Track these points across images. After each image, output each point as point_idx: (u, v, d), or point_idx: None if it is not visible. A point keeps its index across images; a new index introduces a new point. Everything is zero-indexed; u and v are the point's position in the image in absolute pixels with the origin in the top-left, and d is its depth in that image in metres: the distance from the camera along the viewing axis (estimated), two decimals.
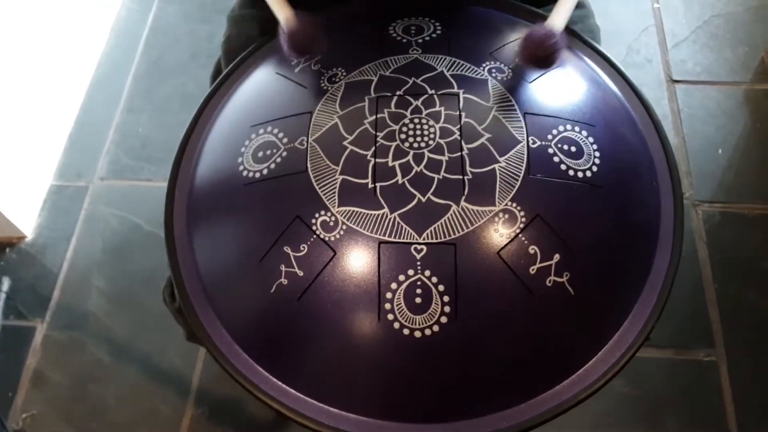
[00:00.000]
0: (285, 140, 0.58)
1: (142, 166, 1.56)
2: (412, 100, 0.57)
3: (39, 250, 1.46)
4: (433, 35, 0.64)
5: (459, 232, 0.51)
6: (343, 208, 0.53)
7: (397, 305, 0.50)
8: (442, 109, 0.56)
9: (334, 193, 0.53)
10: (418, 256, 0.51)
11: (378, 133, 0.55)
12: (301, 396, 0.54)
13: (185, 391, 1.29)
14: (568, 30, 0.70)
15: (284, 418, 0.54)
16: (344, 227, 0.52)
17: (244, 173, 0.58)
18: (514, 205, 0.52)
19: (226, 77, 0.71)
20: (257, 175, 0.57)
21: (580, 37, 0.70)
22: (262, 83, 0.68)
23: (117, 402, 1.29)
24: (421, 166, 0.53)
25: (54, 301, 1.40)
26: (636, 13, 1.72)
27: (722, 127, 1.53)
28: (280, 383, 0.55)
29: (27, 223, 1.48)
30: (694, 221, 1.41)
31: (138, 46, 1.75)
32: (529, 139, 0.55)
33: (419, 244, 0.51)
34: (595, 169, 0.56)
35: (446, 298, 0.50)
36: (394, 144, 0.54)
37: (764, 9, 1.69)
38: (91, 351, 1.34)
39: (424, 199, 0.52)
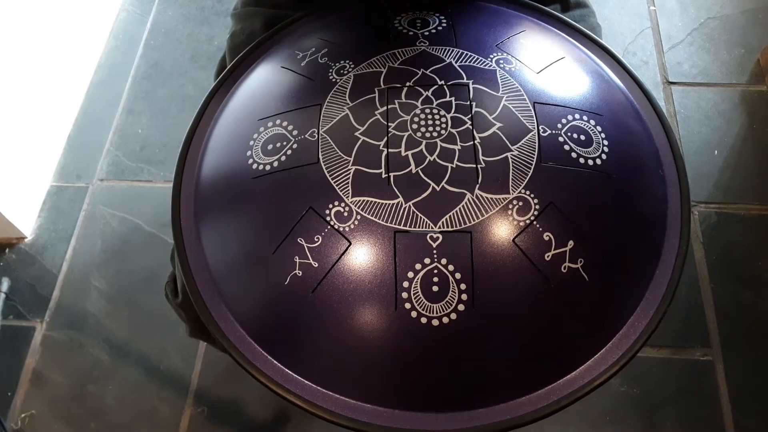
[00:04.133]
0: (295, 132, 0.58)
1: (141, 168, 1.56)
2: (422, 90, 0.57)
3: (38, 251, 1.46)
4: (439, 28, 0.65)
5: (474, 220, 0.51)
6: (357, 198, 0.53)
7: (414, 294, 0.51)
8: (453, 99, 0.56)
9: (348, 183, 0.54)
10: (434, 245, 0.51)
11: (390, 124, 0.55)
12: (318, 388, 0.54)
13: (184, 391, 1.28)
14: (571, 26, 0.71)
15: (290, 417, 0.54)
16: (359, 217, 0.52)
17: (254, 166, 0.58)
18: (528, 192, 0.52)
19: (230, 72, 0.71)
20: (267, 167, 0.57)
21: (584, 32, 0.71)
22: (267, 77, 0.68)
23: (116, 402, 1.28)
24: (434, 156, 0.53)
25: (53, 302, 1.39)
26: (632, 15, 1.72)
27: (718, 128, 1.54)
28: (296, 375, 0.55)
29: (27, 223, 1.47)
30: (690, 222, 1.41)
31: (137, 49, 1.75)
32: (540, 127, 0.55)
33: (435, 232, 0.51)
34: (604, 157, 0.56)
35: (463, 286, 0.50)
36: (406, 134, 0.55)
37: (760, 11, 1.70)
38: (91, 351, 1.33)
39: (438, 188, 0.52)
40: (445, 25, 0.65)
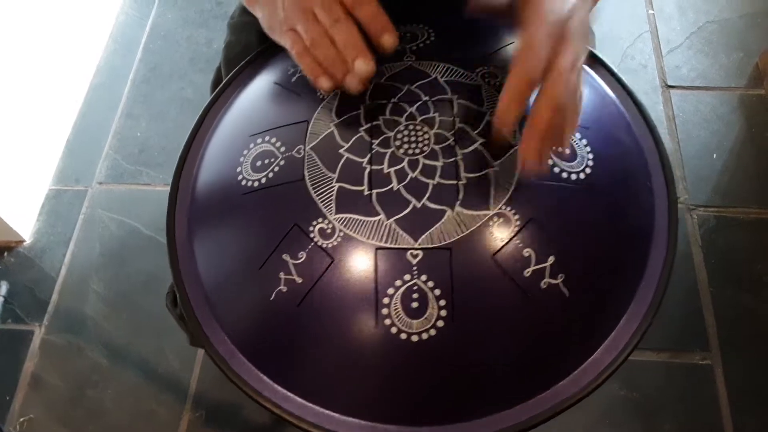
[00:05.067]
0: (282, 149, 0.58)
1: (140, 171, 1.57)
2: (406, 107, 0.57)
3: (37, 254, 1.47)
4: (427, 42, 0.65)
5: (454, 237, 0.51)
6: (340, 215, 0.53)
7: (394, 310, 0.51)
8: (437, 115, 0.56)
9: (331, 200, 0.54)
10: (414, 261, 0.51)
11: (373, 141, 0.56)
12: (303, 401, 0.54)
13: (183, 395, 1.29)
14: None
15: (287, 424, 0.55)
16: (341, 234, 0.53)
17: (243, 182, 0.59)
18: (508, 209, 0.52)
19: (225, 86, 0.71)
20: (256, 184, 0.58)
21: None
22: (260, 92, 0.68)
23: (114, 405, 1.29)
24: (416, 173, 0.54)
25: (52, 305, 1.40)
26: (631, 19, 1.73)
27: (717, 131, 1.54)
28: (281, 389, 0.55)
29: (25, 227, 1.48)
30: (689, 225, 1.42)
31: (136, 52, 1.76)
32: None
33: (415, 249, 0.51)
34: (588, 171, 0.56)
35: (442, 302, 0.50)
36: (389, 151, 0.55)
37: (758, 15, 1.70)
38: (89, 355, 1.34)
39: (419, 205, 0.52)
40: (433, 38, 0.65)
